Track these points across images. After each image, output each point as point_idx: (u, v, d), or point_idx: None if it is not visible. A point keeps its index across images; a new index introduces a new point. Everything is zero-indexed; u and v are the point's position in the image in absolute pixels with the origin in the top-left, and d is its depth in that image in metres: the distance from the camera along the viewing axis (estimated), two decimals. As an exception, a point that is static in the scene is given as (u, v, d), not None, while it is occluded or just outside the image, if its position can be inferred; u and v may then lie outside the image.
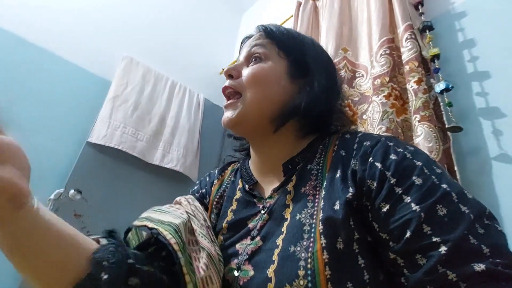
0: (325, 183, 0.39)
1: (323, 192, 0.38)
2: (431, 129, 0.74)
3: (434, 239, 0.29)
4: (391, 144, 0.38)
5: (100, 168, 1.39)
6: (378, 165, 0.36)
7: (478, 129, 0.76)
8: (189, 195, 0.55)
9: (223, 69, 2.12)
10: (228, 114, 0.46)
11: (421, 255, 0.29)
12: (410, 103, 0.83)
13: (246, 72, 0.47)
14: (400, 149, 0.37)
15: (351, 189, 0.36)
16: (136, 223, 0.41)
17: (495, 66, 0.80)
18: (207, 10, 2.35)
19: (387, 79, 0.92)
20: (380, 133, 0.85)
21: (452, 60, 0.89)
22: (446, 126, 0.75)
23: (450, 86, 0.77)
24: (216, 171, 0.58)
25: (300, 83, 0.47)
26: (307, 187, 0.40)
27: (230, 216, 0.47)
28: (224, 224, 0.47)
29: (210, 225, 0.48)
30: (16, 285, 1.12)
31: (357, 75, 1.09)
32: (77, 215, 1.27)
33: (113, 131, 1.43)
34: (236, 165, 0.57)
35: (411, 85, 0.83)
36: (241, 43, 0.54)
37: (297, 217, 0.38)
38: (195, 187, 0.58)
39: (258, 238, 0.40)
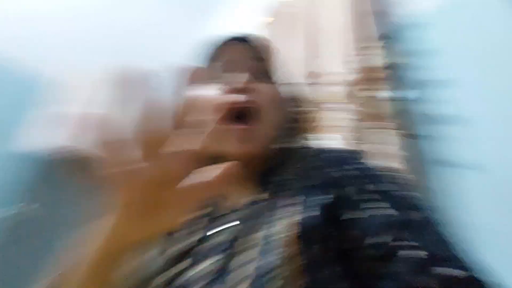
0: (300, 193, 0.39)
1: (300, 200, 0.38)
2: (397, 136, 0.75)
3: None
4: (354, 157, 0.41)
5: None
6: (347, 178, 0.37)
7: (443, 136, 0.78)
8: None
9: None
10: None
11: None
12: (376, 110, 0.84)
13: (264, 89, 0.44)
14: (360, 165, 0.39)
15: (329, 195, 0.36)
16: None
17: (460, 75, 0.81)
18: (168, 17, 2.30)
19: (358, 87, 0.93)
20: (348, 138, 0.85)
21: (417, 68, 0.91)
22: (412, 133, 0.76)
23: (415, 95, 0.79)
24: None
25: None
26: (284, 198, 0.40)
27: None
28: None
29: None
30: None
31: (329, 84, 1.10)
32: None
33: None
34: None
35: (378, 93, 0.84)
36: (222, 44, 0.49)
37: (273, 230, 0.37)
38: None
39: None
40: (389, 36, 0.93)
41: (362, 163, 0.39)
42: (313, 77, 1.09)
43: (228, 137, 0.40)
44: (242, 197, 0.44)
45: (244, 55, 0.46)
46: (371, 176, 0.36)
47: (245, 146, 0.41)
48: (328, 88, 1.07)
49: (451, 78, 0.83)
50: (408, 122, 0.80)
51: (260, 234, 0.37)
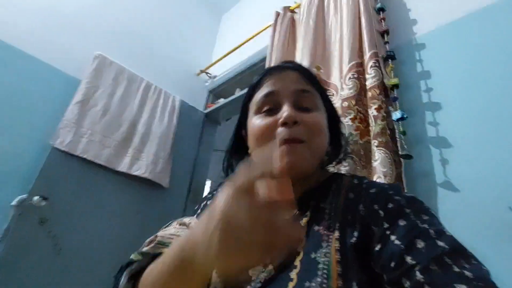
0: (337, 224, 0.41)
1: (337, 233, 0.40)
2: (386, 155, 0.81)
3: (414, 262, 0.32)
4: (391, 193, 0.41)
5: (67, 174, 1.35)
6: (381, 212, 0.39)
7: (428, 156, 0.85)
8: (192, 217, 0.52)
9: (201, 70, 2.09)
10: (293, 163, 0.44)
11: (405, 278, 0.32)
12: (370, 128, 0.90)
13: (310, 121, 0.47)
14: (397, 197, 0.40)
15: (355, 233, 0.39)
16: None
17: (447, 98, 0.88)
18: (185, 9, 2.31)
19: (354, 102, 0.98)
20: (344, 155, 0.91)
21: (410, 89, 0.97)
22: (400, 153, 0.83)
23: (405, 116, 0.85)
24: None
25: (329, 128, 0.51)
26: (321, 227, 0.42)
27: None
28: None
29: None
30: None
31: (328, 94, 1.15)
32: (43, 222, 1.23)
33: (78, 138, 1.39)
34: None
35: (372, 111, 0.90)
36: (268, 73, 0.52)
37: (312, 256, 0.39)
38: (208, 202, 0.56)
39: (270, 266, 0.41)
40: (389, 55, 0.98)
41: (401, 197, 0.40)
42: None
43: (275, 155, 0.43)
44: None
45: (289, 84, 0.49)
46: (393, 214, 0.38)
47: (289, 159, 0.43)
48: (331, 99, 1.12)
49: (442, 100, 0.90)
50: (398, 141, 0.86)
51: (298, 257, 0.39)
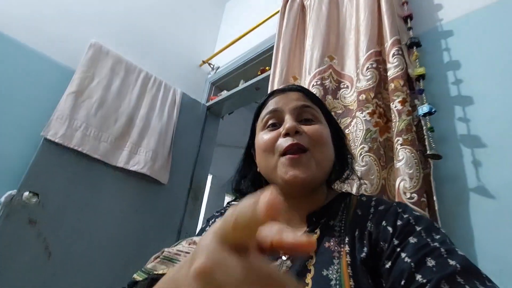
0: (347, 239, 0.42)
1: (347, 248, 0.41)
2: (412, 154, 0.72)
3: (424, 281, 0.32)
4: (400, 210, 0.42)
5: (60, 168, 1.26)
6: (390, 229, 0.40)
7: (458, 156, 0.75)
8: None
9: (203, 61, 2.00)
10: (298, 172, 0.45)
11: None
12: (393, 123, 0.80)
13: (311, 130, 0.49)
14: (406, 215, 0.41)
15: (365, 249, 0.40)
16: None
17: (478, 92, 0.78)
18: None
19: (372, 95, 0.88)
20: (362, 153, 0.82)
21: (435, 80, 0.87)
22: (427, 152, 0.73)
23: (433, 110, 0.75)
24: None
25: (334, 146, 0.53)
26: (332, 243, 0.43)
27: None
28: None
29: None
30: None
31: (342, 86, 1.05)
32: (32, 222, 1.15)
33: (72, 131, 1.30)
34: None
35: (395, 105, 0.80)
36: (273, 93, 0.56)
37: (324, 273, 0.40)
38: (218, 220, 0.53)
39: None
40: (413, 42, 0.88)
41: (410, 215, 0.41)
42: (330, 80, 1.04)
43: (282, 165, 0.46)
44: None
45: (291, 101, 0.52)
46: (404, 231, 0.39)
47: (294, 171, 0.45)
48: (345, 92, 1.02)
49: (473, 93, 0.80)
50: (424, 139, 0.77)
51: (310, 275, 0.40)
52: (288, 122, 0.48)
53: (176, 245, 0.45)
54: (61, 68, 1.42)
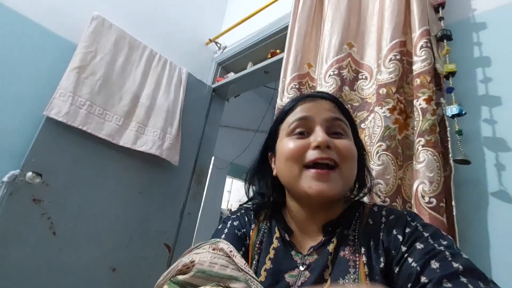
0: (362, 249, 0.43)
1: (364, 259, 0.42)
2: (434, 157, 0.69)
3: (426, 281, 0.33)
4: (409, 219, 0.44)
5: (63, 148, 1.23)
6: (400, 237, 0.41)
7: (480, 160, 0.72)
8: (225, 238, 0.52)
9: (210, 40, 1.91)
10: (325, 188, 0.44)
11: None
12: (415, 122, 0.76)
13: (342, 145, 0.47)
14: (414, 223, 0.42)
15: (382, 259, 0.41)
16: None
17: (508, 93, 0.74)
18: None
19: (394, 89, 0.84)
20: (379, 151, 0.79)
21: (462, 77, 0.82)
22: (451, 156, 0.70)
23: (463, 112, 0.71)
24: (252, 214, 0.57)
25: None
26: (347, 252, 0.44)
27: (268, 264, 0.48)
28: (263, 272, 0.48)
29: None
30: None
31: (360, 77, 1.00)
32: (37, 200, 1.14)
33: (76, 109, 1.25)
34: (267, 211, 0.58)
35: (420, 103, 0.76)
36: (301, 99, 0.54)
37: (341, 282, 0.41)
38: (235, 223, 0.56)
39: None
40: (444, 34, 0.82)
41: (418, 223, 0.42)
42: (348, 69, 0.98)
43: (307, 178, 0.46)
44: (308, 241, 0.49)
45: (323, 111, 0.50)
46: (411, 238, 0.40)
47: (321, 186, 0.44)
48: (363, 83, 0.97)
49: (502, 94, 0.76)
50: (446, 140, 0.74)
51: (326, 284, 0.41)
52: (320, 135, 0.46)
53: (197, 249, 0.44)
54: (63, 41, 1.35)
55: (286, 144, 0.49)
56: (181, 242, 1.60)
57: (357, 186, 0.55)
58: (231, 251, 0.43)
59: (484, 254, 0.65)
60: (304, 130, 0.49)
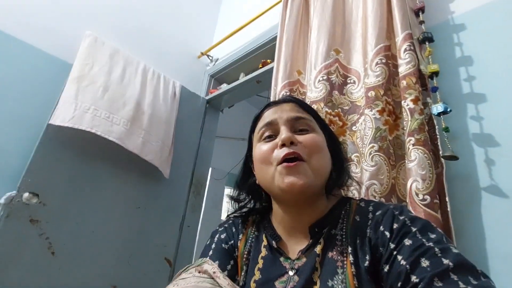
0: (349, 249, 0.43)
1: (351, 258, 0.42)
2: (425, 155, 0.71)
3: (417, 280, 0.33)
4: (396, 213, 0.43)
5: (60, 166, 1.23)
6: (387, 233, 0.41)
7: (469, 156, 0.74)
8: (213, 254, 0.53)
9: (202, 53, 1.95)
10: (295, 179, 0.45)
11: None
12: (405, 122, 0.78)
13: (306, 139, 0.50)
14: (402, 217, 0.42)
15: (367, 257, 0.41)
16: None
17: (492, 90, 0.77)
18: None
19: (382, 92, 0.86)
20: (372, 152, 0.81)
21: (447, 77, 0.84)
22: (441, 153, 0.72)
23: (448, 110, 0.73)
24: (239, 222, 0.59)
25: (330, 153, 0.53)
26: (334, 253, 0.44)
27: (257, 275, 0.49)
28: (252, 284, 0.48)
29: None
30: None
31: (349, 81, 1.02)
32: (34, 221, 1.13)
33: (81, 113, 1.22)
34: (255, 217, 0.59)
35: (407, 103, 0.78)
36: (267, 106, 0.58)
37: (329, 284, 0.41)
38: (222, 235, 0.57)
39: None
40: (426, 37, 0.85)
41: (405, 216, 0.42)
42: (336, 74, 1.01)
43: (279, 175, 0.47)
44: (296, 245, 0.49)
45: (285, 113, 0.53)
46: (399, 234, 0.40)
47: (291, 178, 0.45)
48: (352, 87, 0.99)
49: (486, 91, 0.78)
50: (435, 138, 0.76)
51: (316, 287, 0.41)
52: (284, 133, 0.49)
53: (186, 272, 0.45)
54: (56, 61, 1.36)
55: (258, 149, 0.52)
56: (182, 256, 1.59)
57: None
58: (214, 272, 0.44)
59: (480, 247, 0.65)
60: (272, 133, 0.52)
